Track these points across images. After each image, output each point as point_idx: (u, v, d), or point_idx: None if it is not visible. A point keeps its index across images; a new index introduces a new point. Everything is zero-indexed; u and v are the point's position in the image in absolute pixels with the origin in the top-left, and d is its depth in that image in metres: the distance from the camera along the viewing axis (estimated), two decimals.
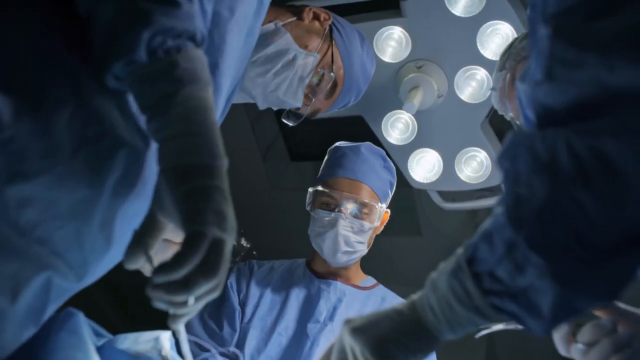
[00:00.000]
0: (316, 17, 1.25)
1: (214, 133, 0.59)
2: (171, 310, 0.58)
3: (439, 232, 2.83)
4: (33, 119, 0.56)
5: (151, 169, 0.64)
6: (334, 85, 1.26)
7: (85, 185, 0.59)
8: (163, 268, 0.55)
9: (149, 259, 0.58)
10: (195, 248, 0.54)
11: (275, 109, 1.28)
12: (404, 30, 1.75)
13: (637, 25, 0.50)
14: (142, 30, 0.57)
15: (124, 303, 2.72)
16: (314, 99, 1.26)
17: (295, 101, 1.22)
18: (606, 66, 0.51)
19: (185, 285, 0.54)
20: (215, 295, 0.58)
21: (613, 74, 0.51)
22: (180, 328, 0.62)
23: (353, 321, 0.72)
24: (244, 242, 2.19)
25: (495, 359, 3.06)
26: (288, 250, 1.78)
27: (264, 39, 1.16)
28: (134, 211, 0.65)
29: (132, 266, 0.60)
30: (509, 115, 1.27)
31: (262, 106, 1.25)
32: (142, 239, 0.60)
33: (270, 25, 1.17)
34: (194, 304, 0.56)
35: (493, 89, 1.31)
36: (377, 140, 1.90)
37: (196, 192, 0.56)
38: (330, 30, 1.25)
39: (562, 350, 0.76)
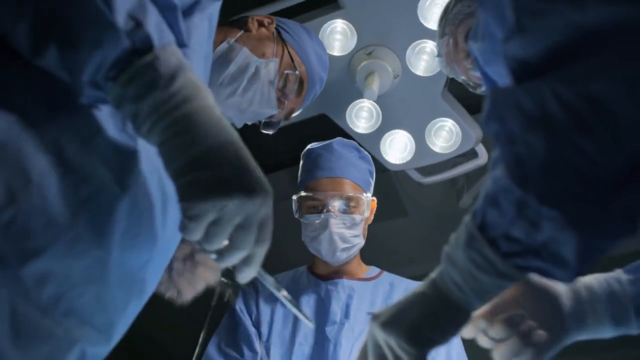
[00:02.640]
0: (261, 24, 1.27)
1: (198, 124, 0.60)
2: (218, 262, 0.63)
3: (423, 208, 2.86)
4: (26, 196, 0.55)
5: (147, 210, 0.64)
6: (301, 82, 1.29)
7: (93, 246, 0.59)
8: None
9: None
10: (187, 234, 0.60)
11: (250, 123, 1.29)
12: (345, 22, 1.76)
13: None
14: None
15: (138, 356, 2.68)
16: (286, 102, 1.28)
17: (271, 109, 1.24)
18: (576, 7, 0.51)
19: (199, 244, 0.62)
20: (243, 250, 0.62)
21: (584, 13, 0.51)
22: (244, 278, 0.67)
23: (380, 315, 0.72)
24: None
25: None
26: (285, 262, 1.77)
27: (222, 60, 1.17)
28: (145, 259, 0.65)
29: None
30: (461, 78, 1.30)
31: (240, 124, 1.26)
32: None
33: (224, 45, 1.18)
34: (217, 257, 0.63)
35: (438, 55, 1.33)
36: (345, 134, 1.91)
37: (180, 191, 0.60)
38: (278, 32, 1.28)
39: (471, 335, 0.77)
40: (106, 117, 0.63)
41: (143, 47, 0.58)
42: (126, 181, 0.62)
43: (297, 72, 1.26)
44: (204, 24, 0.76)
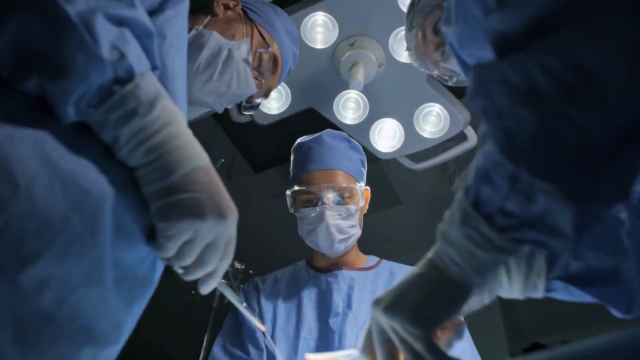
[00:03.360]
0: (226, 7, 1.27)
1: (175, 149, 0.64)
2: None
3: (417, 195, 2.87)
4: (16, 202, 0.55)
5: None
6: (275, 59, 1.30)
7: (89, 247, 0.58)
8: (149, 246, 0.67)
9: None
10: (162, 252, 0.66)
11: (230, 106, 1.33)
12: (326, 14, 1.76)
13: None
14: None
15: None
16: (263, 80, 1.29)
17: (250, 89, 1.25)
18: None
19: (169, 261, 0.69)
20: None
21: None
22: (206, 290, 0.73)
23: (381, 300, 0.72)
24: (237, 265, 2.18)
25: (513, 319, 3.11)
26: (283, 258, 1.77)
27: (194, 47, 1.17)
28: (142, 255, 0.65)
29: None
30: (433, 72, 1.29)
31: (220, 109, 1.28)
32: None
33: (193, 33, 1.19)
34: (183, 272, 0.70)
35: (408, 49, 1.33)
36: (334, 126, 1.91)
37: (158, 212, 0.65)
38: (245, 12, 1.28)
39: None
40: None
41: (125, 76, 0.61)
42: (114, 179, 0.63)
43: (270, 49, 1.27)
44: (177, 17, 0.76)
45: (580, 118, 0.53)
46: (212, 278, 0.71)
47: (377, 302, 0.72)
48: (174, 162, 0.64)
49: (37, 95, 0.59)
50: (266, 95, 1.35)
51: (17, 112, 0.59)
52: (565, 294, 0.80)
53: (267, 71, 1.29)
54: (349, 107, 1.92)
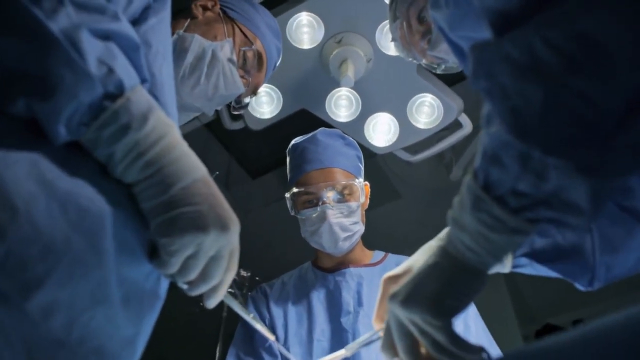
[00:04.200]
0: (205, 7, 1.26)
1: (171, 162, 0.63)
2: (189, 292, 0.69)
3: (415, 188, 2.86)
4: (16, 227, 0.53)
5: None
6: (259, 55, 1.29)
7: (92, 267, 0.57)
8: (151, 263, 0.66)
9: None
10: (165, 269, 0.65)
11: (219, 108, 1.32)
12: (310, 14, 1.75)
13: None
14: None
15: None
16: (250, 78, 1.28)
17: (237, 88, 1.24)
18: None
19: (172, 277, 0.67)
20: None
21: None
22: (213, 303, 0.72)
23: (397, 294, 0.71)
24: (243, 272, 2.17)
25: (522, 302, 3.11)
26: (287, 262, 1.76)
27: (178, 53, 1.16)
28: (147, 270, 0.64)
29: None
30: (421, 61, 1.28)
31: (210, 112, 1.27)
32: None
33: (174, 37, 1.17)
34: (188, 287, 0.68)
35: (393, 40, 1.31)
36: (328, 125, 1.90)
37: (158, 228, 0.63)
38: (224, 12, 1.27)
39: None
40: None
41: (115, 91, 0.59)
42: (111, 196, 0.61)
43: (253, 47, 1.26)
44: (161, 25, 0.75)
45: (588, 89, 0.52)
46: (217, 291, 0.70)
47: (393, 296, 0.71)
48: (172, 175, 0.62)
49: (25, 117, 0.58)
50: (254, 92, 1.35)
51: (7, 134, 0.57)
52: (530, 269, 0.80)
53: (252, 69, 1.28)
54: (342, 105, 1.92)
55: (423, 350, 0.73)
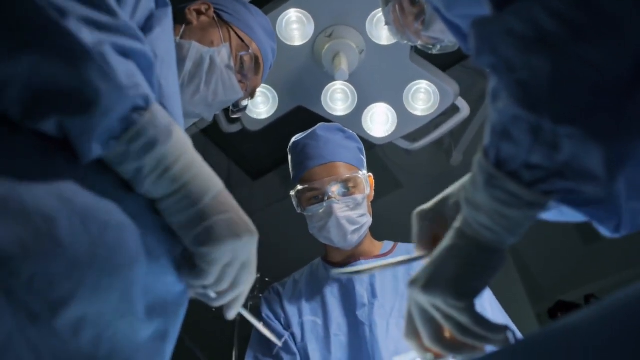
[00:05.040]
0: (199, 12, 1.25)
1: (197, 174, 0.64)
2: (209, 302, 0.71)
3: (417, 177, 2.86)
4: (40, 245, 0.53)
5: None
6: (256, 59, 1.29)
7: (116, 280, 0.57)
8: (186, 277, 0.67)
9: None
10: (204, 279, 0.66)
11: (218, 112, 1.35)
12: (298, 10, 1.75)
13: None
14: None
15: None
16: (247, 82, 1.28)
17: (236, 93, 1.24)
18: None
19: (204, 288, 0.69)
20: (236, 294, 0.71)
21: None
22: (234, 313, 0.75)
23: (417, 280, 0.70)
24: None
25: (532, 281, 3.12)
26: (296, 260, 1.76)
27: (177, 61, 1.15)
28: (170, 280, 0.63)
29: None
30: (416, 43, 1.28)
31: (210, 117, 1.28)
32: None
33: None
34: (216, 297, 0.70)
35: (387, 24, 1.31)
36: (325, 120, 1.89)
37: (197, 238, 0.64)
38: (218, 15, 1.26)
39: None
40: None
41: (143, 104, 0.60)
42: (129, 208, 0.61)
43: (250, 51, 1.26)
44: (164, 34, 0.75)
45: (595, 56, 0.52)
46: (239, 300, 0.72)
47: (413, 282, 0.71)
48: (201, 187, 0.64)
49: (51, 135, 0.57)
50: (252, 95, 1.34)
51: (23, 153, 0.57)
52: (557, 213, 0.79)
53: (250, 72, 1.28)
54: (338, 99, 1.91)
55: (447, 334, 0.72)
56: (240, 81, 1.26)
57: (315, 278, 1.51)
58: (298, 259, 1.75)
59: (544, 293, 3.23)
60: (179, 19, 1.23)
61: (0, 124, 0.57)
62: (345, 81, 1.85)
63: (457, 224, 0.70)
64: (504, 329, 0.68)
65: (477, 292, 0.67)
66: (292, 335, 1.41)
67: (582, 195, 0.60)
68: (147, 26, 0.73)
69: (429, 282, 0.68)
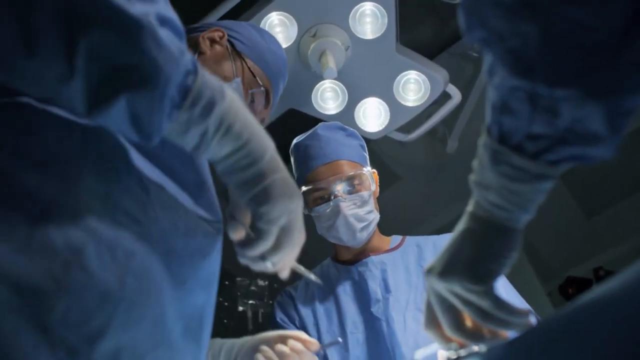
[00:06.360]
0: (212, 40, 1.19)
1: (254, 132, 0.63)
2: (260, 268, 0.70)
3: (414, 168, 2.85)
4: (71, 277, 0.52)
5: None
6: (266, 93, 1.23)
7: (148, 307, 0.56)
8: (242, 246, 0.67)
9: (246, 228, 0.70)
10: (265, 240, 0.66)
11: None
12: (280, 12, 1.74)
13: None
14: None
15: None
16: (256, 116, 1.22)
17: None
18: None
19: (261, 259, 0.68)
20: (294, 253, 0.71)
21: None
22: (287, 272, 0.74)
23: (434, 267, 0.70)
24: (260, 282, 2.15)
25: (539, 259, 3.12)
26: (302, 264, 1.75)
27: None
28: (201, 302, 0.63)
29: (234, 235, 0.69)
30: None
31: None
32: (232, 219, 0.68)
33: None
34: (273, 267, 0.70)
35: None
36: (318, 121, 1.88)
37: (257, 197, 0.64)
38: (231, 44, 1.20)
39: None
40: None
41: (193, 68, 0.59)
42: (151, 235, 0.60)
43: (261, 88, 1.20)
44: None
45: (584, 16, 0.51)
46: (291, 260, 0.72)
47: (430, 270, 0.70)
48: (260, 145, 0.63)
49: (120, 125, 0.56)
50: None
51: (43, 188, 0.55)
52: None
53: (259, 106, 1.22)
54: (328, 97, 1.90)
55: (469, 323, 0.71)
56: None
57: (327, 278, 1.50)
58: (304, 262, 1.74)
59: (553, 271, 3.23)
60: (192, 46, 1.18)
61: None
62: (334, 79, 1.84)
63: (469, 207, 0.69)
64: (527, 312, 0.67)
65: (495, 274, 0.67)
66: (309, 336, 1.40)
67: (590, 159, 0.60)
68: None
69: (446, 268, 0.68)
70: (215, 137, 0.61)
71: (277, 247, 0.67)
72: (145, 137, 0.56)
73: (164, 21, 0.58)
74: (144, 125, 0.56)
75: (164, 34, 0.57)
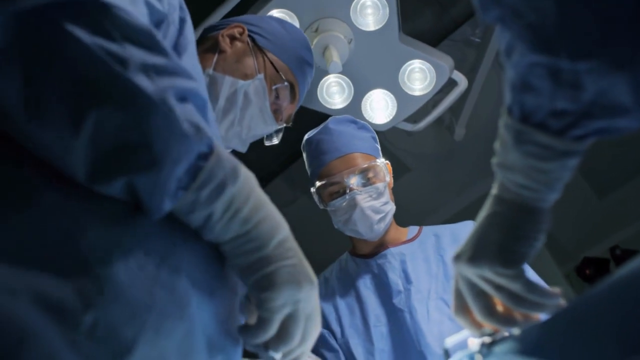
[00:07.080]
0: (232, 37, 1.16)
1: (265, 216, 0.61)
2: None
3: (423, 158, 2.84)
4: (98, 290, 0.50)
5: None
6: (291, 87, 1.20)
7: (177, 320, 0.54)
8: (243, 332, 0.62)
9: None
10: (265, 330, 0.61)
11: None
12: (281, 9, 1.73)
13: None
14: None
15: None
16: (282, 112, 1.21)
17: (271, 127, 1.18)
18: None
19: (265, 348, 0.63)
20: (304, 348, 0.65)
21: None
22: None
23: (462, 254, 0.69)
24: None
25: (553, 241, 3.09)
26: (318, 260, 1.74)
27: (209, 94, 1.10)
28: (227, 313, 0.62)
29: (249, 319, 0.65)
30: None
31: (244, 150, 1.20)
32: None
33: (205, 77, 1.08)
34: (282, 357, 0.64)
35: None
36: (324, 116, 1.88)
37: (258, 284, 0.60)
38: (252, 39, 1.17)
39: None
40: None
41: (207, 150, 0.57)
42: (181, 248, 0.59)
43: (285, 83, 1.17)
44: (191, 59, 0.72)
45: None
46: (303, 355, 0.67)
47: (458, 257, 0.69)
48: (270, 229, 0.61)
49: (120, 197, 0.54)
50: (287, 122, 1.26)
51: (69, 200, 0.53)
52: None
53: (285, 101, 1.19)
54: (334, 92, 1.90)
55: (500, 308, 0.70)
56: (275, 111, 1.19)
57: (346, 273, 1.49)
58: (316, 260, 1.73)
59: (568, 253, 3.21)
60: (212, 45, 1.15)
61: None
62: (339, 73, 1.83)
63: (493, 191, 0.68)
64: (558, 293, 0.66)
65: (525, 257, 0.66)
66: (332, 332, 1.39)
67: (616, 131, 0.58)
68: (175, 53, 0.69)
69: (475, 253, 0.67)
70: (222, 220, 0.58)
71: (283, 337, 0.62)
72: (145, 213, 0.55)
73: (184, 96, 0.56)
74: (143, 204, 0.54)
75: (182, 110, 0.55)
